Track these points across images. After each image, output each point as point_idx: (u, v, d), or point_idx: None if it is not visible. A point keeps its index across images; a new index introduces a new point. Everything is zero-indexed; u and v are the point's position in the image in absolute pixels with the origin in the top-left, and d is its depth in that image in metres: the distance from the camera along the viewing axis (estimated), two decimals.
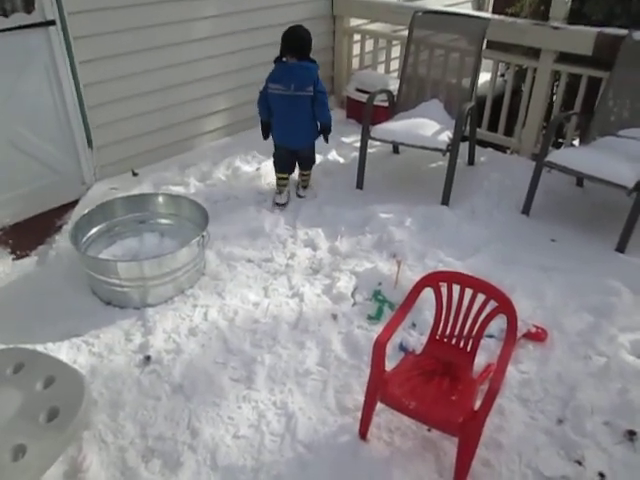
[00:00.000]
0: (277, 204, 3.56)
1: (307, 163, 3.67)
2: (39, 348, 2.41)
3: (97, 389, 2.25)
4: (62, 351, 2.43)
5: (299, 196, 3.68)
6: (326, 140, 3.57)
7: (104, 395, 2.23)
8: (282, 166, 3.59)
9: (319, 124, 3.48)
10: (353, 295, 2.78)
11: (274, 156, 3.61)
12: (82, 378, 1.90)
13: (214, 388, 2.26)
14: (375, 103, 3.71)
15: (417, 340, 2.45)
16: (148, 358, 2.40)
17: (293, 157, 3.61)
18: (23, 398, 1.79)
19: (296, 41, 3.30)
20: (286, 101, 3.33)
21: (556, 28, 3.73)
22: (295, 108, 3.35)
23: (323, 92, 3.36)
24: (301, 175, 3.72)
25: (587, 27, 3.69)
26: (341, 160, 4.13)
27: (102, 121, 3.62)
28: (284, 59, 3.33)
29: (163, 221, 3.16)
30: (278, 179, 3.62)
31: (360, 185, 3.74)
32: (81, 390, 1.79)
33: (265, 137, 3.60)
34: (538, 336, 2.49)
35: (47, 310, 2.68)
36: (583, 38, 3.62)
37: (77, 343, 2.49)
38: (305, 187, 3.73)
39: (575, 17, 3.92)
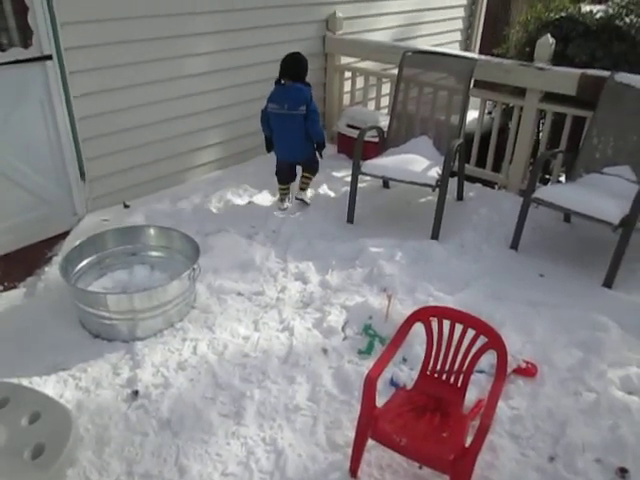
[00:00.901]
0: (280, 209, 3.91)
1: (309, 169, 3.96)
2: (25, 382, 2.37)
3: (83, 424, 2.21)
4: (48, 385, 2.39)
5: (296, 198, 3.96)
6: (320, 155, 3.90)
7: (90, 431, 2.19)
8: (282, 178, 3.96)
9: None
10: (344, 329, 2.77)
11: (276, 168, 3.96)
12: (69, 414, 1.87)
13: (202, 424, 2.23)
14: (366, 139, 3.78)
15: (408, 375, 2.44)
16: (136, 393, 2.37)
17: (293, 169, 3.97)
18: (8, 434, 1.76)
19: (291, 65, 3.70)
20: (281, 119, 3.69)
21: (541, 69, 3.86)
22: (290, 125, 3.68)
23: (314, 111, 3.68)
24: (302, 177, 3.98)
25: (571, 68, 3.82)
26: (332, 194, 4.18)
27: (95, 154, 3.65)
28: (282, 81, 3.71)
29: (154, 253, 3.16)
30: (280, 189, 3.98)
31: (351, 219, 3.77)
32: (68, 426, 1.77)
33: (268, 151, 3.97)
34: (528, 371, 2.49)
35: (34, 343, 2.65)
36: (567, 79, 3.74)
37: (64, 377, 2.45)
38: (303, 189, 3.97)
39: (559, 58, 4.04)
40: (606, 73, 3.55)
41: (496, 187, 4.62)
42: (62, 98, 3.36)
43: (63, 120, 3.41)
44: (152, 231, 3.18)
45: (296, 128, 3.68)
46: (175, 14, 3.74)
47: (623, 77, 3.44)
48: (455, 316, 2.07)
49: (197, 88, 4.08)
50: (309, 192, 4.05)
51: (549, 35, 3.89)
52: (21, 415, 1.81)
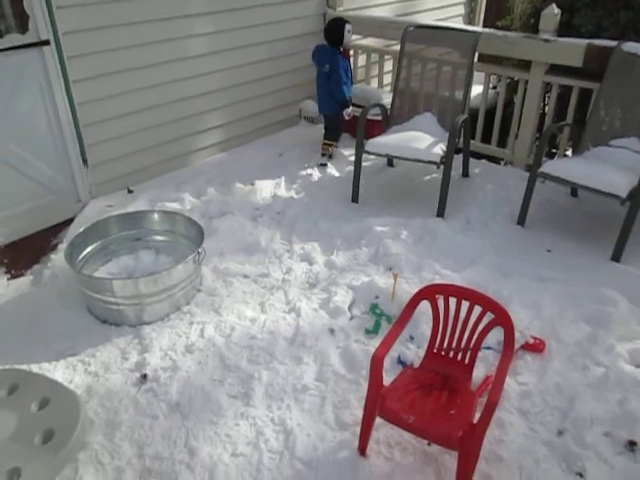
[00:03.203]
0: (319, 164, 4.28)
1: (328, 132, 4.36)
2: (34, 368, 2.39)
3: (93, 409, 2.23)
4: (58, 371, 2.41)
5: (319, 164, 4.27)
6: (344, 114, 4.25)
7: (100, 415, 2.21)
8: (324, 133, 4.41)
9: None
10: (350, 309, 2.77)
11: None
12: (78, 399, 1.88)
13: (211, 406, 2.24)
14: (369, 117, 3.74)
15: (415, 353, 2.44)
16: (145, 376, 2.39)
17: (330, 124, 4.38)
18: (18, 420, 1.78)
19: (327, 30, 4.24)
20: (317, 73, 4.28)
21: (546, 40, 3.78)
22: (320, 80, 4.27)
23: (337, 71, 4.09)
24: (322, 142, 4.35)
25: (577, 39, 3.74)
26: (336, 174, 4.15)
27: (97, 139, 3.63)
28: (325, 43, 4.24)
29: (158, 238, 3.16)
30: (322, 144, 4.39)
31: (355, 199, 3.75)
32: (77, 411, 1.78)
33: None
34: (536, 347, 2.48)
35: (42, 330, 2.66)
36: (573, 50, 3.66)
37: (73, 362, 2.47)
38: (323, 154, 4.32)
39: (565, 29, 3.95)
40: (613, 43, 3.47)
41: (502, 163, 4.57)
42: (61, 83, 3.33)
43: (63, 106, 3.39)
44: (156, 216, 3.17)
45: (322, 83, 4.24)
46: None
47: (631, 47, 3.36)
48: (461, 293, 2.06)
49: (197, 70, 4.04)
50: (329, 159, 4.33)
51: (554, 5, 3.80)
52: (31, 401, 1.83)
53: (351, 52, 4.98)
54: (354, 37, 4.97)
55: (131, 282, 2.66)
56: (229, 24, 4.11)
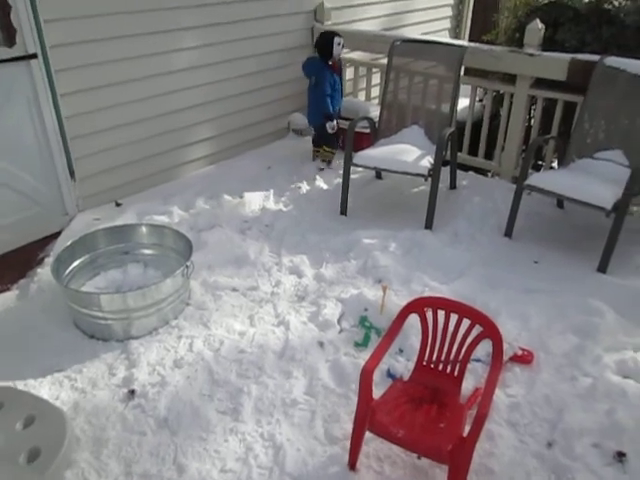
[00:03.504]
0: (319, 169, 4.44)
1: (316, 139, 4.51)
2: (20, 385, 2.36)
3: (80, 426, 2.20)
4: (44, 387, 2.38)
5: (319, 168, 4.44)
6: (327, 127, 4.28)
7: (87, 432, 2.18)
8: (313, 141, 4.58)
9: None
10: (339, 322, 2.77)
11: None
12: (64, 416, 1.86)
13: (200, 421, 2.22)
14: (357, 130, 3.76)
15: (405, 366, 2.44)
16: (132, 392, 2.36)
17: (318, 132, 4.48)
18: (3, 439, 1.75)
19: (316, 43, 4.37)
20: (308, 85, 4.36)
21: (531, 55, 3.84)
22: (309, 91, 4.36)
23: (322, 84, 4.19)
24: (312, 149, 4.55)
25: (561, 53, 3.80)
26: (325, 187, 4.16)
27: (84, 152, 3.61)
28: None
29: (146, 251, 3.14)
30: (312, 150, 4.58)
31: (344, 211, 3.76)
32: (63, 428, 1.75)
33: None
34: (525, 359, 2.50)
35: (28, 345, 2.63)
36: (557, 64, 3.72)
37: (59, 378, 2.43)
38: (321, 160, 4.50)
39: (549, 44, 4.01)
40: (596, 57, 3.54)
41: (489, 175, 4.61)
42: (49, 97, 3.32)
43: (50, 119, 3.37)
44: (144, 229, 3.15)
45: (312, 94, 4.33)
46: (160, 8, 3.69)
47: (613, 61, 3.42)
48: (449, 306, 2.06)
49: (185, 83, 4.04)
50: (328, 165, 4.49)
51: (538, 20, 3.87)
52: (16, 419, 1.80)
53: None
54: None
55: (119, 296, 2.64)
56: (217, 37, 4.13)
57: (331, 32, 4.27)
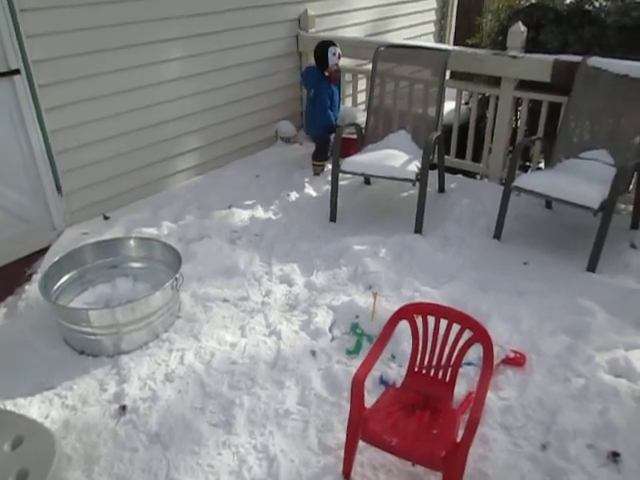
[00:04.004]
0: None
1: (314, 152, 4.43)
2: (9, 404, 2.33)
3: (71, 444, 2.17)
4: (34, 406, 2.35)
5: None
6: (330, 135, 4.28)
7: (78, 450, 2.15)
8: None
9: None
10: (331, 330, 2.75)
11: None
12: (53, 436, 1.83)
13: (192, 435, 2.20)
14: (345, 136, 3.76)
15: (397, 372, 2.43)
16: (124, 408, 2.34)
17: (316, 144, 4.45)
18: None
19: (314, 54, 4.29)
20: (307, 93, 4.42)
21: (514, 57, 3.86)
22: (308, 101, 4.40)
23: (321, 96, 4.21)
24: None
25: (544, 55, 3.82)
26: (314, 194, 4.15)
27: (71, 166, 3.59)
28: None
29: (135, 265, 3.12)
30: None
31: (333, 218, 3.75)
32: (52, 450, 1.73)
33: None
34: (517, 361, 2.49)
35: (17, 363, 2.60)
36: (541, 65, 3.75)
37: (49, 396, 2.40)
38: (316, 174, 4.43)
39: (532, 45, 4.04)
40: (579, 58, 3.56)
41: (477, 177, 4.63)
42: (33, 112, 3.30)
43: (35, 134, 3.35)
44: (132, 242, 3.13)
45: (309, 104, 4.37)
46: (144, 21, 3.69)
47: (595, 61, 3.45)
48: (439, 312, 2.06)
49: (171, 94, 4.03)
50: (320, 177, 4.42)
51: (520, 23, 3.90)
52: (4, 440, 1.77)
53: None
54: None
55: (108, 312, 2.62)
56: (203, 48, 4.12)
57: (326, 42, 4.23)
